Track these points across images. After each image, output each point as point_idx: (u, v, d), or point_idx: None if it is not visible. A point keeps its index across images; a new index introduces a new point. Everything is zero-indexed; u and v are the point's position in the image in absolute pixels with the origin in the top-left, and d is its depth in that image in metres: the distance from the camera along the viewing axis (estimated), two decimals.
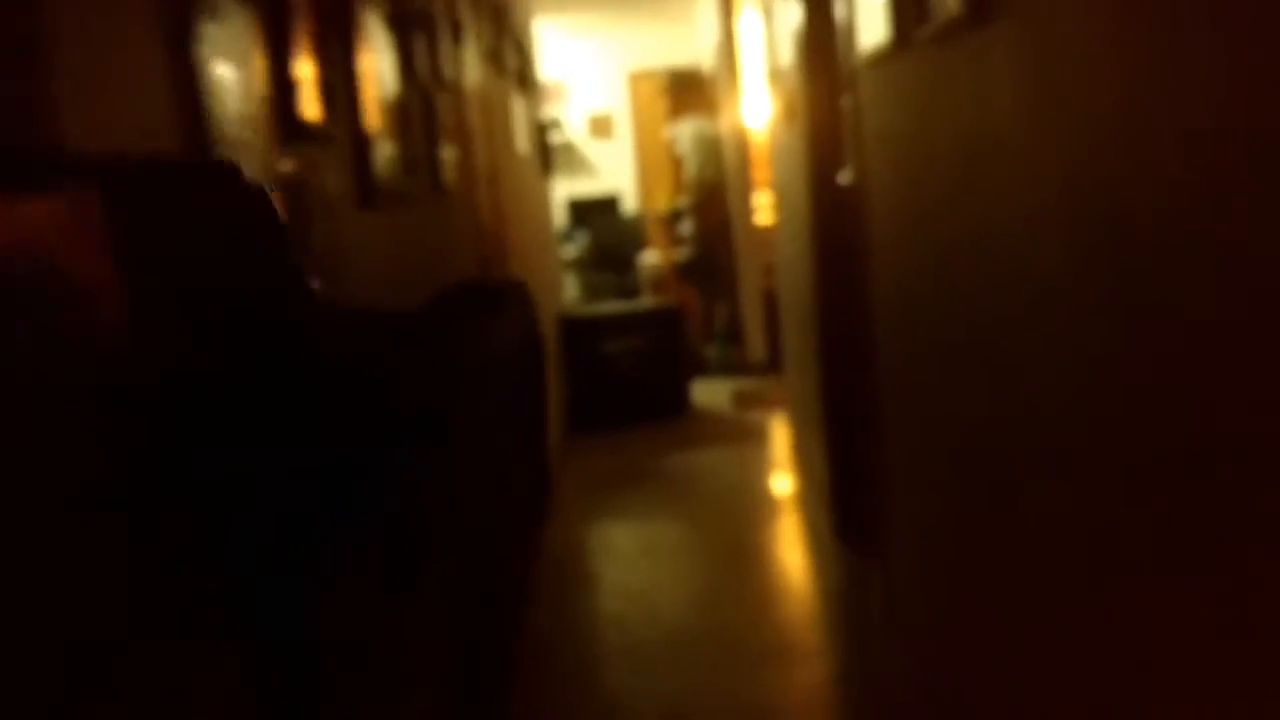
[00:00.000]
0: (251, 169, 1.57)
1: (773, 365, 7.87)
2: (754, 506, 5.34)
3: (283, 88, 1.71)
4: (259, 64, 1.61)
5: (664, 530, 5.06)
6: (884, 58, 2.70)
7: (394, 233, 2.50)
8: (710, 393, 7.74)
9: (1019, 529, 2.01)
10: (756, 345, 8.38)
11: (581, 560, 4.67)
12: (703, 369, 8.34)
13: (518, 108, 5.76)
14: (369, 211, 2.22)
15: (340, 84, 2.06)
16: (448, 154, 3.13)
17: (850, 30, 3.14)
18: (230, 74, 1.49)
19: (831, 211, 4.25)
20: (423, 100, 2.86)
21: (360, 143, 2.15)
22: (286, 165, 1.72)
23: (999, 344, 2.04)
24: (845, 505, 4.44)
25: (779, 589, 4.23)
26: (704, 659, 3.56)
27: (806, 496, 5.15)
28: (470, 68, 3.83)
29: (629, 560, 4.71)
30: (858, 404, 4.17)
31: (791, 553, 4.66)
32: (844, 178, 3.94)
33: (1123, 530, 1.51)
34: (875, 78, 2.92)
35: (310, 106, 1.83)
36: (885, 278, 3.12)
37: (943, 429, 2.57)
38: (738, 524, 5.00)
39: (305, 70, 1.81)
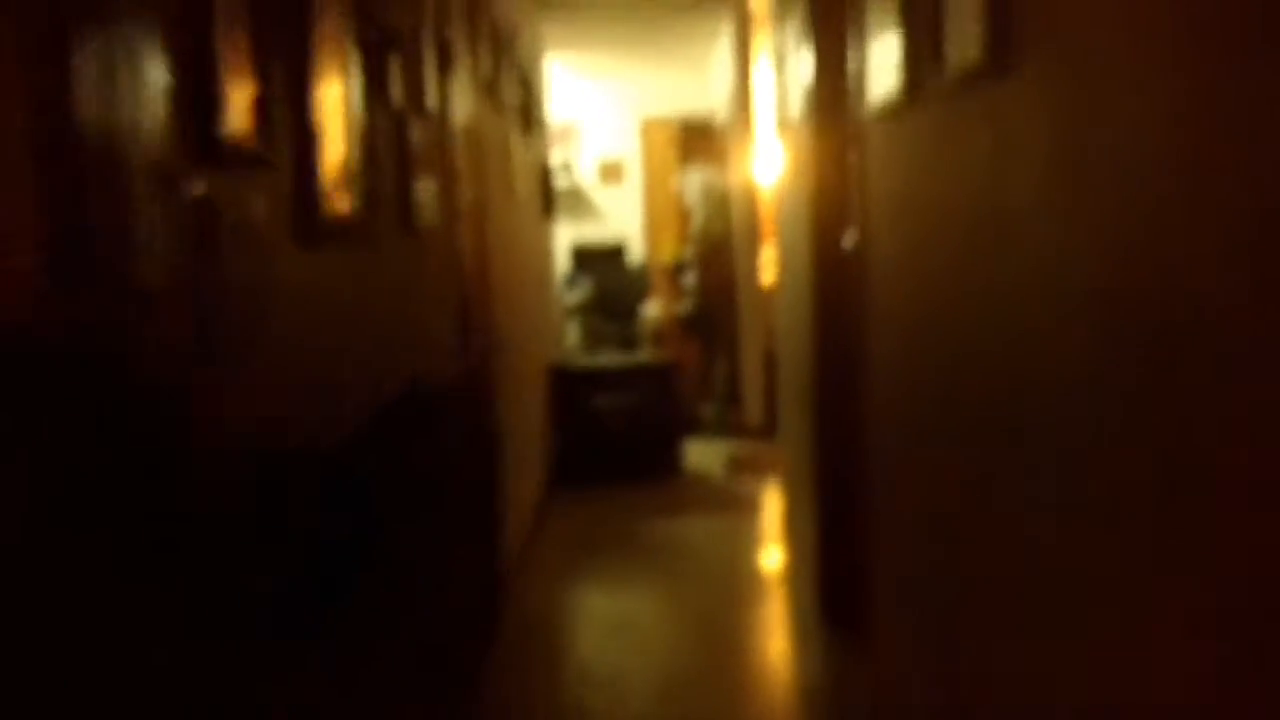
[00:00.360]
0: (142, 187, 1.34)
1: (770, 429, 7.61)
2: (738, 582, 5.01)
3: (198, 102, 1.48)
4: (161, 75, 1.38)
5: (640, 604, 4.76)
6: (893, 110, 2.48)
7: (346, 276, 2.26)
8: (704, 454, 7.47)
9: (1015, 626, 1.77)
10: (754, 407, 8.12)
11: (546, 634, 4.39)
12: (698, 428, 8.08)
13: (518, 145, 5.56)
14: (312, 251, 1.98)
15: (283, 103, 1.84)
16: (424, 190, 2.91)
17: (861, 80, 2.92)
18: (124, 82, 1.28)
19: (833, 276, 4.02)
20: (395, 129, 2.64)
21: (305, 170, 1.92)
22: (197, 188, 1.50)
23: (1003, 432, 1.80)
24: (834, 587, 4.17)
25: (757, 678, 3.93)
26: None
27: (795, 575, 4.86)
28: (460, 98, 3.62)
29: (599, 637, 4.42)
30: (851, 481, 3.92)
31: (774, 637, 4.36)
32: (848, 240, 3.72)
33: (1122, 630, 1.27)
34: (883, 132, 2.70)
35: (237, 124, 1.60)
36: (883, 350, 2.88)
37: (938, 515, 2.33)
38: (719, 601, 4.70)
39: (235, 85, 1.58)
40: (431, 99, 3.10)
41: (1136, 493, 1.28)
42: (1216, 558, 1.10)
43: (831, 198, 3.98)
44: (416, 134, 2.82)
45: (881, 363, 2.94)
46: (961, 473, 2.12)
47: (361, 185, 2.27)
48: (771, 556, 5.32)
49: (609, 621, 4.56)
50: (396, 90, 2.63)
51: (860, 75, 2.93)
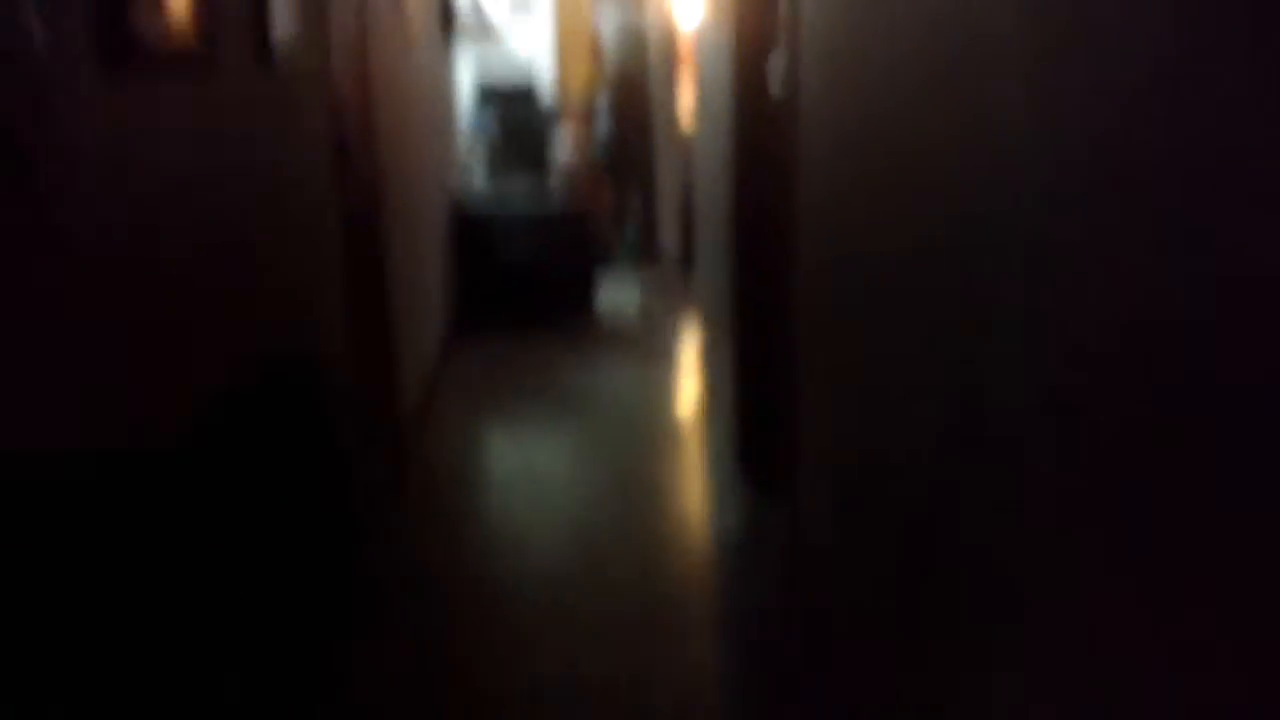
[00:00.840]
0: None
1: (686, 259, 7.41)
2: (654, 431, 4.83)
3: None
4: None
5: (549, 458, 4.53)
6: None
7: (175, 119, 1.86)
8: (619, 288, 7.33)
9: (945, 483, 1.55)
10: (670, 239, 7.96)
11: (451, 492, 4.14)
12: (612, 260, 7.98)
13: None
14: (123, 82, 1.60)
15: None
16: (282, 10, 2.49)
17: None
18: None
19: (756, 116, 3.70)
20: None
21: None
22: None
23: (952, 284, 1.54)
24: (752, 442, 3.98)
25: (670, 534, 3.74)
26: (580, 627, 3.08)
27: (712, 426, 4.68)
28: None
29: (505, 492, 4.19)
30: (771, 330, 3.69)
31: (689, 490, 4.20)
32: (774, 81, 3.38)
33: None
34: None
35: None
36: (813, 201, 2.59)
37: (869, 370, 2.09)
38: (634, 453, 4.50)
39: None
40: None
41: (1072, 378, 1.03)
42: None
43: (756, 38, 3.62)
44: None
45: (810, 214, 2.66)
46: (896, 332, 1.87)
47: (205, 7, 1.88)
48: (688, 403, 5.17)
49: (516, 475, 4.33)
50: None
51: None
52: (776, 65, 3.25)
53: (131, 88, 1.62)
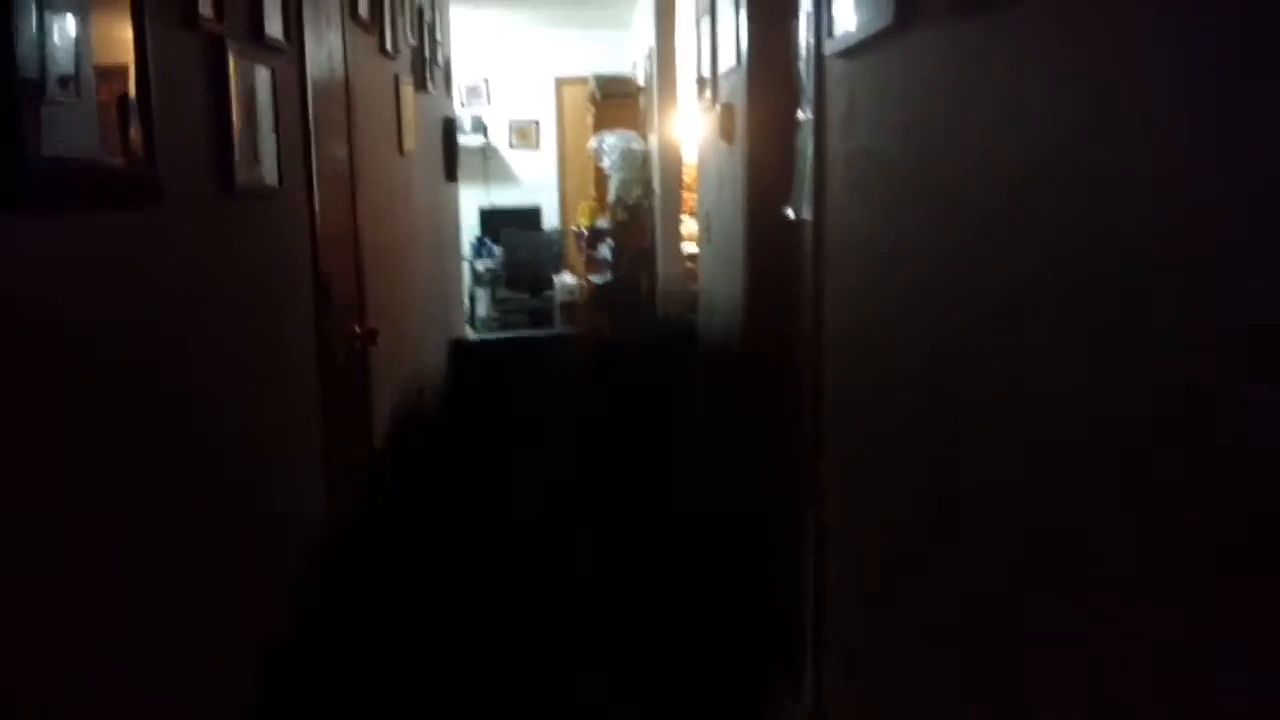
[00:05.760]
0: None
1: None
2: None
3: None
4: None
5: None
6: (868, 45, 1.90)
7: (91, 269, 1.50)
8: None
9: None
10: None
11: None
12: None
13: (412, 98, 4.87)
14: (21, 216, 1.31)
15: None
16: (252, 139, 2.25)
17: (820, 20, 2.33)
18: None
19: (771, 250, 3.45)
20: (207, 58, 1.98)
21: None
22: None
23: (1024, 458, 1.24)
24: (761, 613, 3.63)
25: None
26: None
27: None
28: (320, 28, 2.94)
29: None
30: (788, 477, 3.37)
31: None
32: (793, 211, 3.14)
33: None
34: (852, 71, 2.11)
35: None
36: (843, 345, 2.31)
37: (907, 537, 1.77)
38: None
39: None
40: (274, 26, 2.43)
41: None
42: None
43: (771, 163, 3.40)
44: (242, 68, 2.16)
45: (838, 356, 2.37)
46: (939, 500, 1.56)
47: (142, 123, 1.62)
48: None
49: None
50: (207, 6, 1.96)
51: (819, 11, 2.34)
52: (799, 190, 3.01)
53: (32, 216, 1.33)
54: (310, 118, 2.71)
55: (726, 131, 4.08)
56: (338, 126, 3.07)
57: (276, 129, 2.39)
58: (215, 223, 2.02)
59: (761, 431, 3.61)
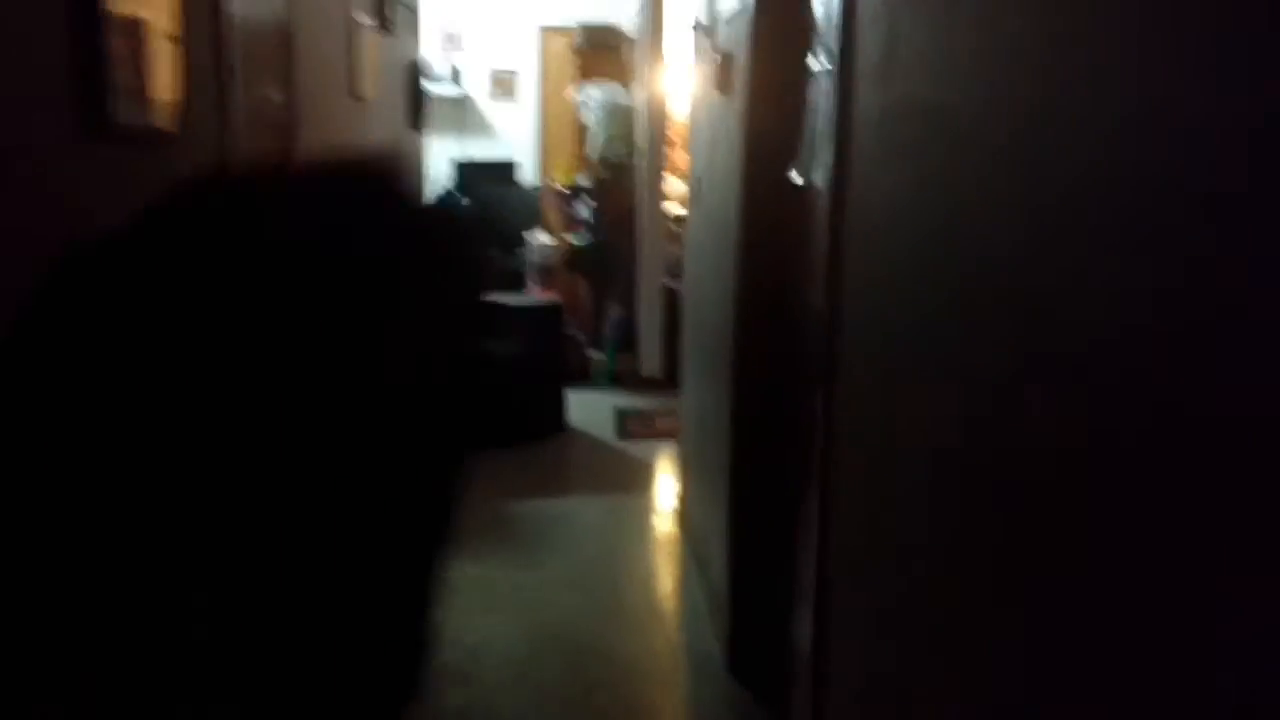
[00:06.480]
0: None
1: (669, 382, 6.65)
2: (619, 605, 3.91)
3: None
4: None
5: (488, 631, 3.70)
6: None
7: None
8: (592, 409, 6.47)
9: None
10: (650, 356, 7.14)
11: None
12: (586, 378, 7.07)
13: (369, 40, 4.40)
14: None
15: None
16: (133, 67, 1.81)
17: None
18: None
19: (770, 212, 3.04)
20: None
21: None
22: None
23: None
24: (751, 629, 3.25)
25: None
26: None
27: (692, 597, 3.90)
28: None
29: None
30: (782, 487, 2.99)
31: (663, 695, 3.36)
32: (800, 175, 2.73)
33: None
34: (895, 3, 1.69)
35: None
36: (869, 340, 1.91)
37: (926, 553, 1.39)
38: (595, 628, 3.69)
39: None
40: None
41: None
42: None
43: (776, 118, 2.98)
44: None
45: (861, 339, 1.97)
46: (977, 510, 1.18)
47: None
48: (665, 560, 4.32)
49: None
50: None
51: None
52: (809, 151, 2.59)
53: None
54: (230, 52, 2.26)
55: (723, 83, 3.64)
56: (272, 66, 2.63)
57: (185, 64, 1.95)
58: (75, 177, 1.59)
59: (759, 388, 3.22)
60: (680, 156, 7.19)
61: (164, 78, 1.86)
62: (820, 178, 2.43)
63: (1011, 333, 1.24)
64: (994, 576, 1.30)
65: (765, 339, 3.15)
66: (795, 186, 2.79)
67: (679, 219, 6.84)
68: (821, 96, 2.49)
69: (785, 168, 2.90)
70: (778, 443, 3.10)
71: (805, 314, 2.75)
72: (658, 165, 7.00)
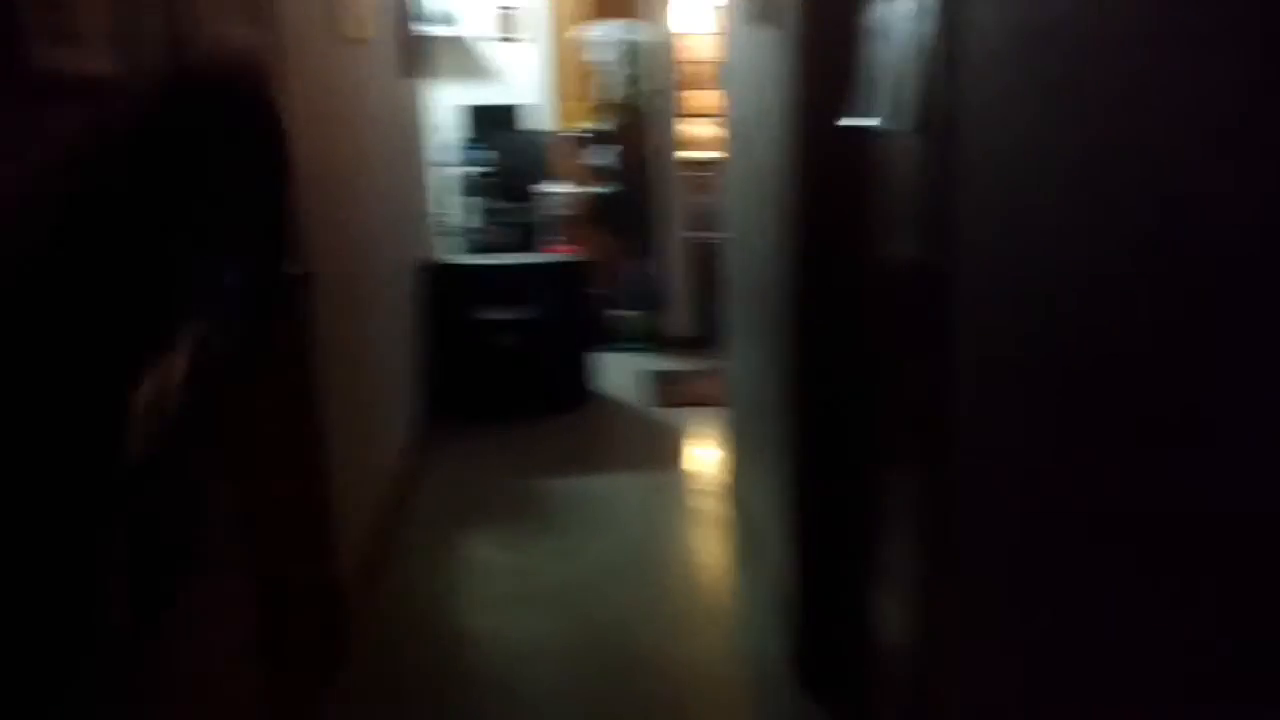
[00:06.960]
0: None
1: (701, 341, 6.27)
2: (669, 600, 3.53)
3: None
4: None
5: (513, 629, 3.36)
6: None
7: None
8: (621, 373, 6.10)
9: None
10: (680, 314, 6.75)
11: (401, 672, 3.02)
12: (614, 339, 6.69)
13: None
14: None
15: None
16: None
17: None
18: None
19: (835, 164, 2.64)
20: None
21: None
22: None
23: None
24: (816, 628, 2.90)
25: None
26: None
27: (750, 589, 3.54)
28: None
29: (454, 681, 3.03)
30: (854, 464, 2.63)
31: (718, 700, 2.98)
32: (864, 117, 2.31)
33: None
34: None
35: None
36: (999, 289, 1.52)
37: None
38: (645, 631, 3.32)
39: None
40: None
41: None
42: None
43: (831, 55, 2.56)
44: None
45: (981, 300, 1.59)
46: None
47: None
48: (714, 554, 3.93)
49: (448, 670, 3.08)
50: None
51: None
52: (878, 88, 2.17)
53: None
54: None
55: (763, 13, 3.21)
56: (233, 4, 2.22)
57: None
58: None
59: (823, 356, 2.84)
60: (699, 98, 6.75)
61: (99, 12, 1.48)
62: (901, 119, 2.03)
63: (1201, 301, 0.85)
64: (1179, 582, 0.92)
65: (831, 300, 2.77)
66: (856, 130, 2.38)
67: (703, 165, 6.41)
68: (890, 22, 2.08)
69: (836, 112, 2.49)
70: (848, 414, 2.73)
71: (880, 272, 2.36)
72: (669, 108, 6.56)
